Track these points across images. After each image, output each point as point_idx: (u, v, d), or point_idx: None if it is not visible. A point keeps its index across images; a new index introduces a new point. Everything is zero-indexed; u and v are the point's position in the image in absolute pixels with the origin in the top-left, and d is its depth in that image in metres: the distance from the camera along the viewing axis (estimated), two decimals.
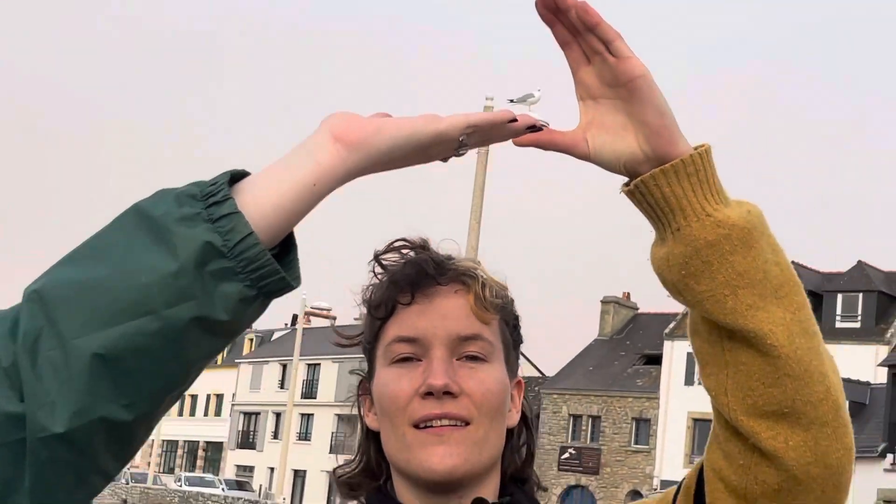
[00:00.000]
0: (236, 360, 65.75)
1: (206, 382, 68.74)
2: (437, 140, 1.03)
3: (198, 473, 55.80)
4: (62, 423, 0.87)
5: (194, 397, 70.10)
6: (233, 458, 63.72)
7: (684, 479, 1.19)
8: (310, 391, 56.64)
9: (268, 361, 62.44)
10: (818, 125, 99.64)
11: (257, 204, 0.96)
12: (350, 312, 1.47)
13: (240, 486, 49.32)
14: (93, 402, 0.88)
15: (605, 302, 50.32)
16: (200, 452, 67.84)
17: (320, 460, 49.71)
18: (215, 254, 0.93)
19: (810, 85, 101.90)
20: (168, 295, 0.90)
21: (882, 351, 41.15)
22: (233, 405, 65.01)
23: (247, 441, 63.31)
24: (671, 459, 42.31)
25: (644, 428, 45.42)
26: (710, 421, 1.16)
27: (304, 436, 56.00)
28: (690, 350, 1.18)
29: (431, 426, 1.20)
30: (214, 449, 66.85)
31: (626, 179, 1.10)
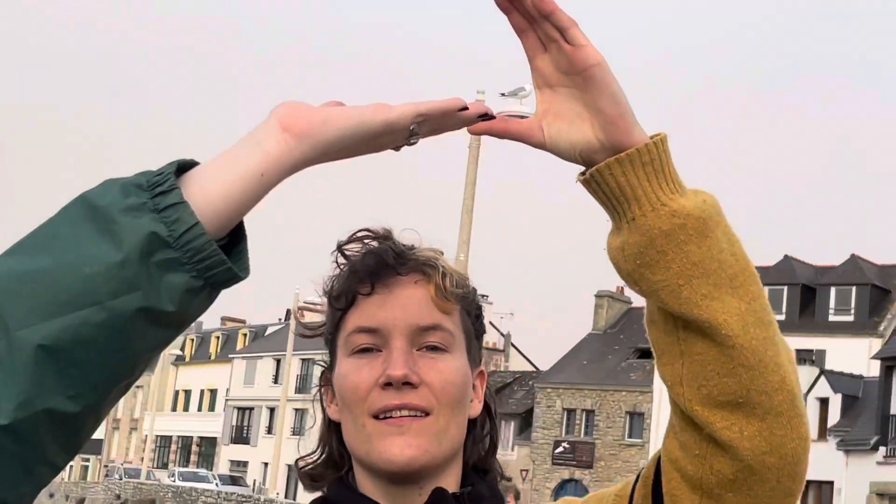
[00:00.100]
0: (230, 356, 65.74)
1: (200, 377, 68.76)
2: (387, 129, 1.03)
3: (191, 468, 55.81)
4: (6, 415, 0.87)
5: (188, 392, 70.09)
6: (226, 454, 63.72)
7: (643, 469, 1.19)
8: (304, 386, 56.58)
9: (261, 356, 62.42)
10: (815, 122, 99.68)
11: (204, 194, 0.96)
12: None
13: (234, 481, 49.30)
14: (38, 394, 0.88)
15: (598, 296, 50.36)
16: (194, 447, 67.81)
17: None
18: (161, 244, 0.92)
19: (803, 79, 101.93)
20: (113, 286, 0.90)
21: (875, 344, 41.23)
22: (226, 400, 64.99)
23: (241, 436, 63.31)
24: None
25: (638, 422, 45.50)
26: None
27: (298, 431, 56.00)
28: None
29: (391, 417, 1.20)
30: (208, 444, 66.83)
31: (582, 168, 1.10)
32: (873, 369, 37.21)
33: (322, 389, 1.32)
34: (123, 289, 0.90)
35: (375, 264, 1.25)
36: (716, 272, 1.06)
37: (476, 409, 1.30)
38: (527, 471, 46.22)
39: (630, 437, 45.55)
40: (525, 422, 49.23)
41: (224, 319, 73.39)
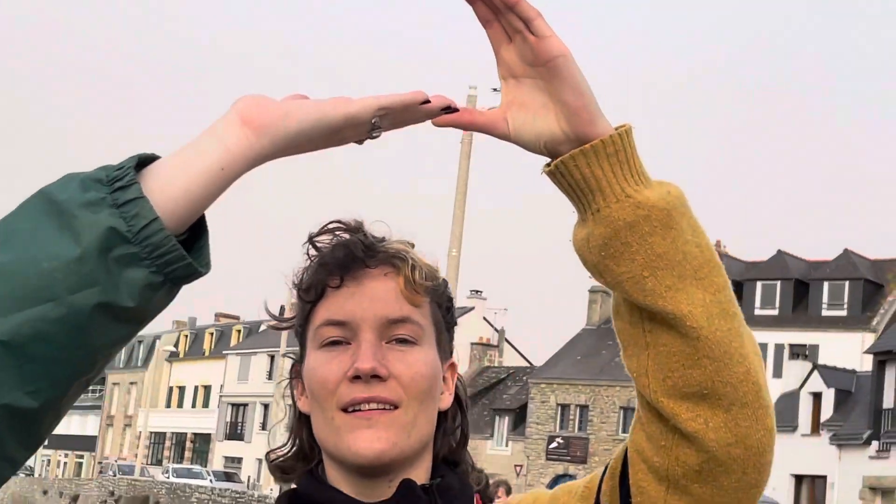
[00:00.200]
0: (224, 352, 65.70)
1: (194, 374, 68.70)
2: (348, 123, 1.03)
3: (185, 465, 55.72)
4: None
5: (182, 389, 70.05)
6: (221, 450, 63.68)
7: (610, 460, 1.19)
8: None
9: (255, 353, 62.39)
10: (809, 118, 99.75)
11: (164, 189, 0.95)
12: None
13: (228, 477, 49.27)
14: None
15: (592, 291, 50.38)
16: (188, 444, 67.78)
17: None
18: (119, 239, 0.92)
19: (798, 76, 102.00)
20: (71, 281, 0.90)
21: (868, 339, 41.32)
22: (220, 396, 64.94)
23: (235, 432, 63.27)
24: None
25: (632, 417, 44.69)
26: None
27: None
28: None
29: (360, 410, 1.20)
30: (202, 440, 66.80)
31: (547, 160, 1.09)
32: (866, 364, 37.30)
33: (292, 382, 1.32)
34: (82, 284, 0.90)
35: (344, 257, 1.25)
36: (680, 264, 1.06)
37: (446, 401, 1.29)
38: (521, 466, 46.25)
39: (624, 432, 45.56)
40: (519, 417, 49.26)
41: (218, 316, 73.33)
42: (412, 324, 1.24)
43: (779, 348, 43.36)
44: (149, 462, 64.31)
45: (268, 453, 1.33)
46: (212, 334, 69.97)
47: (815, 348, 42.89)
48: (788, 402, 36.53)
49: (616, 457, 1.18)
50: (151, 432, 66.90)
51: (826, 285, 45.13)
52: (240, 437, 62.51)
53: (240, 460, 60.87)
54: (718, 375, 1.06)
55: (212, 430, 65.16)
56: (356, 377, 1.20)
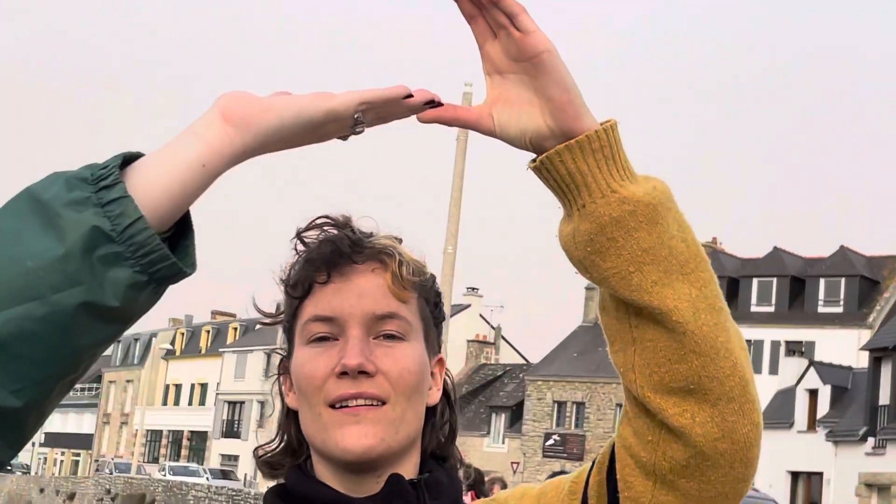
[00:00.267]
0: (220, 350, 65.68)
1: (191, 372, 68.68)
2: (329, 118, 1.03)
3: (182, 463, 55.74)
4: None
5: (178, 387, 70.05)
6: (217, 448, 63.69)
7: (598, 455, 1.19)
8: None
9: (252, 350, 62.36)
10: (805, 114, 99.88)
11: (146, 187, 0.95)
12: None
13: (224, 475, 49.28)
14: None
15: (589, 288, 50.38)
16: (185, 442, 67.77)
17: None
18: (104, 238, 0.92)
19: (793, 72, 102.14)
20: (55, 280, 0.90)
21: (864, 335, 41.39)
22: (217, 394, 64.93)
23: (231, 430, 63.27)
24: None
25: None
26: None
27: None
28: None
29: (347, 406, 1.20)
30: (199, 438, 66.79)
31: (533, 155, 1.09)
32: (862, 360, 37.35)
33: (281, 378, 1.32)
34: (66, 283, 0.90)
35: (331, 252, 1.24)
36: (666, 259, 1.06)
37: (434, 396, 1.29)
38: (517, 463, 46.29)
39: None
40: (515, 414, 49.30)
41: (214, 313, 73.31)
42: (399, 319, 1.23)
43: (775, 345, 43.42)
44: (145, 460, 64.32)
45: (256, 449, 1.33)
46: (208, 332, 69.94)
47: (811, 345, 42.95)
48: (785, 398, 36.59)
49: (604, 452, 1.18)
50: (148, 430, 66.88)
51: (822, 282, 45.19)
52: (236, 435, 62.50)
53: (236, 458, 60.85)
54: (705, 370, 1.06)
55: (208, 427, 65.16)
56: (343, 373, 1.20)
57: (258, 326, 64.57)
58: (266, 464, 1.30)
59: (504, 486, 8.98)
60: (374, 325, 1.23)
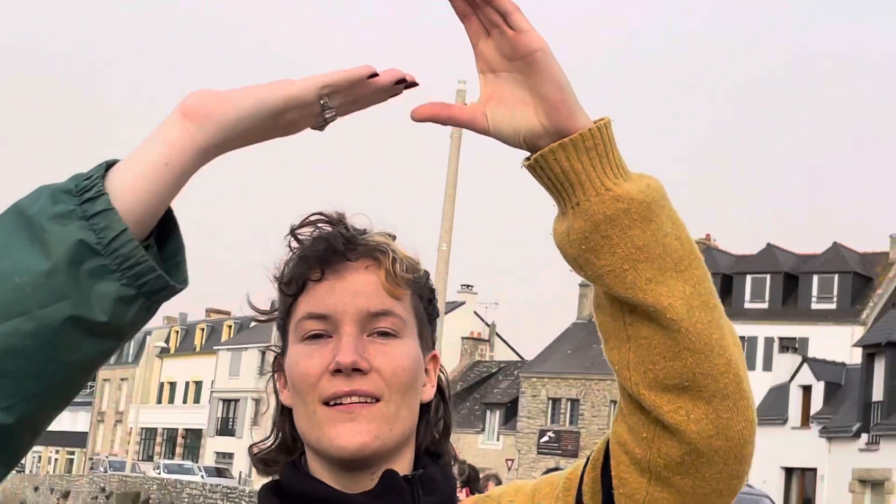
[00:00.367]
0: (215, 347, 65.61)
1: (185, 369, 68.59)
2: (291, 105, 1.01)
3: (177, 461, 55.69)
4: None
5: (173, 384, 69.95)
6: (212, 446, 63.63)
7: (592, 452, 1.19)
8: None
9: (246, 348, 62.30)
10: (799, 112, 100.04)
11: (120, 195, 0.95)
12: None
13: (219, 473, 49.27)
14: None
15: (583, 285, 50.43)
16: (179, 440, 67.69)
17: None
18: (90, 252, 0.92)
19: (787, 69, 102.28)
20: (41, 295, 0.90)
21: (858, 332, 41.45)
22: (212, 392, 64.87)
23: (226, 428, 63.22)
24: None
25: None
26: None
27: None
28: None
29: (341, 403, 1.20)
30: (193, 436, 66.72)
31: (527, 154, 1.09)
32: (856, 357, 37.41)
33: (275, 375, 1.32)
34: (52, 298, 0.90)
35: (325, 250, 1.24)
36: (660, 256, 1.06)
37: (429, 393, 1.29)
38: (512, 460, 46.33)
39: None
40: (510, 411, 49.32)
41: (209, 311, 73.21)
42: (393, 316, 1.23)
43: (768, 341, 43.48)
44: (140, 458, 64.25)
45: (251, 447, 1.33)
46: (203, 330, 69.87)
47: (804, 341, 43.01)
48: (778, 395, 36.65)
49: (598, 448, 1.18)
50: (142, 428, 66.82)
51: (815, 278, 45.25)
52: (231, 433, 62.45)
53: (231, 456, 60.81)
54: (699, 367, 1.07)
55: (203, 425, 65.10)
56: (337, 371, 1.20)
57: (252, 324, 64.58)
58: (261, 461, 1.30)
59: (499, 483, 8.98)
60: (367, 323, 1.23)
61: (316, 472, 1.24)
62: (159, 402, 70.29)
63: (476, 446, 47.27)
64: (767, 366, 40.25)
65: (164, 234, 1.02)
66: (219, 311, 72.86)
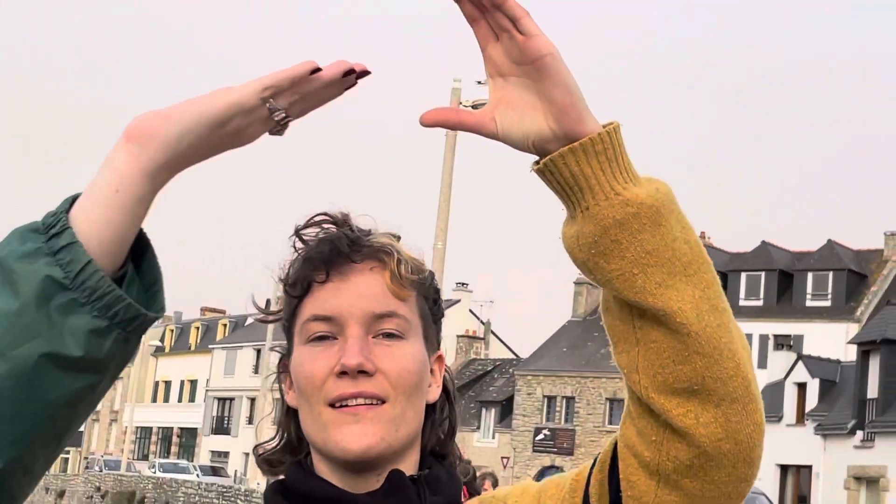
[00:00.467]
0: (210, 346, 65.55)
1: (180, 368, 68.55)
2: (233, 112, 1.00)
3: (172, 460, 55.64)
4: None
5: (168, 383, 69.90)
6: (207, 444, 63.59)
7: (599, 454, 1.19)
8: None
9: (241, 347, 62.27)
10: (793, 110, 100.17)
11: (82, 226, 0.95)
12: None
13: (214, 471, 49.21)
14: None
15: (578, 283, 50.47)
16: (175, 439, 67.64)
17: None
18: (58, 287, 0.92)
19: (781, 68, 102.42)
20: (13, 335, 0.90)
21: (852, 329, 41.52)
22: (207, 391, 64.83)
23: (221, 427, 63.18)
24: None
25: (618, 408, 45.63)
26: None
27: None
28: None
29: (347, 405, 1.20)
30: (189, 435, 66.68)
31: (535, 158, 1.09)
32: (850, 354, 37.49)
33: (280, 376, 1.32)
34: (24, 337, 0.90)
35: (329, 252, 1.24)
36: (670, 260, 1.06)
37: (434, 393, 1.29)
38: (508, 458, 46.35)
39: (611, 423, 45.72)
40: (505, 409, 49.35)
41: (204, 310, 73.18)
42: (398, 318, 1.23)
43: (763, 339, 43.54)
44: (135, 457, 64.17)
45: (255, 447, 1.33)
46: (197, 328, 69.82)
47: (799, 339, 43.09)
48: (773, 392, 36.70)
49: (605, 450, 1.18)
50: (137, 427, 66.74)
51: (810, 276, 45.33)
52: (226, 432, 62.42)
53: (226, 454, 60.79)
54: (709, 371, 1.07)
55: (198, 424, 65.05)
56: (343, 373, 1.20)
57: (248, 322, 64.58)
58: (266, 461, 1.30)
59: (495, 481, 8.97)
60: (373, 324, 1.23)
61: (321, 472, 1.24)
62: (154, 400, 70.24)
63: (471, 444, 47.29)
64: (762, 363, 40.27)
65: (141, 261, 1.01)
66: (214, 310, 72.82)
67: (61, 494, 49.33)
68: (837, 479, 33.36)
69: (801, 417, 35.98)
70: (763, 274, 45.96)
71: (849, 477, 33.09)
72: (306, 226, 1.28)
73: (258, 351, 58.71)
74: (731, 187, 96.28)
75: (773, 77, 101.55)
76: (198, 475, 45.53)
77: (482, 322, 58.06)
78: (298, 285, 1.25)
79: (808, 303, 44.97)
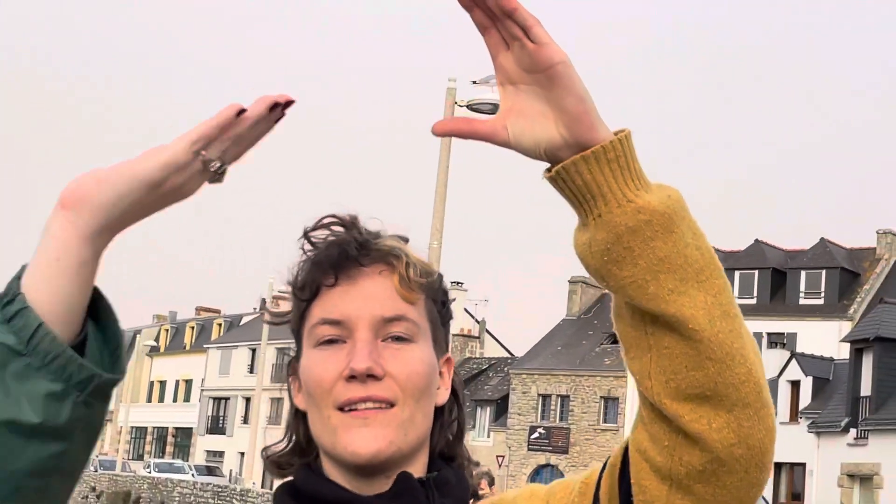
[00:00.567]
0: (205, 346, 65.49)
1: (175, 368, 68.46)
2: (167, 172, 1.01)
3: (167, 459, 55.60)
4: None
5: (163, 383, 69.80)
6: (202, 444, 63.54)
7: (609, 457, 1.19)
8: (279, 375, 56.16)
9: (237, 346, 62.23)
10: (786, 106, 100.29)
11: (31, 293, 0.96)
12: None
13: (210, 471, 49.19)
14: None
15: (572, 282, 50.49)
16: (170, 438, 67.56)
17: None
18: (13, 354, 0.93)
19: (773, 62, 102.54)
20: None
21: (845, 327, 41.62)
22: (202, 390, 64.77)
23: (216, 426, 63.13)
24: None
25: (612, 407, 45.74)
26: None
27: (274, 420, 55.89)
28: None
29: (356, 409, 1.20)
30: (184, 435, 66.60)
31: (547, 165, 1.10)
32: (843, 352, 37.55)
33: (289, 379, 1.32)
34: None
35: (338, 255, 1.24)
36: (682, 267, 1.07)
37: (443, 396, 1.30)
38: (503, 457, 46.39)
39: (605, 421, 45.79)
40: (500, 408, 49.38)
41: (199, 309, 73.07)
42: (407, 321, 1.24)
43: (757, 337, 43.10)
44: (130, 457, 64.11)
45: (264, 449, 1.33)
46: (192, 328, 69.74)
47: (792, 336, 43.18)
48: None
49: (616, 454, 1.19)
50: (132, 427, 66.65)
51: (803, 274, 45.42)
52: (221, 431, 62.37)
53: (221, 454, 60.73)
54: (721, 377, 1.07)
55: (193, 424, 64.98)
56: (352, 376, 1.20)
57: (243, 321, 64.48)
58: (274, 463, 1.31)
59: (492, 481, 8.97)
60: (381, 328, 1.23)
61: (330, 474, 1.25)
62: (149, 400, 70.15)
63: (466, 443, 47.25)
64: None
65: (105, 325, 1.01)
66: (209, 310, 72.73)
67: None
68: (831, 477, 33.43)
69: (794, 415, 36.05)
70: (756, 272, 46.04)
71: (842, 474, 33.16)
72: (315, 228, 1.28)
73: (253, 351, 58.63)
74: (724, 186, 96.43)
75: (770, 77, 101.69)
76: (193, 475, 45.48)
77: (477, 321, 58.07)
78: (307, 289, 1.25)
79: (802, 301, 45.06)
